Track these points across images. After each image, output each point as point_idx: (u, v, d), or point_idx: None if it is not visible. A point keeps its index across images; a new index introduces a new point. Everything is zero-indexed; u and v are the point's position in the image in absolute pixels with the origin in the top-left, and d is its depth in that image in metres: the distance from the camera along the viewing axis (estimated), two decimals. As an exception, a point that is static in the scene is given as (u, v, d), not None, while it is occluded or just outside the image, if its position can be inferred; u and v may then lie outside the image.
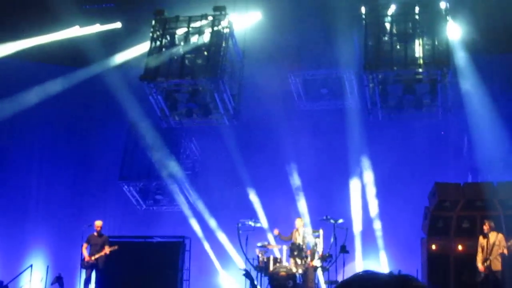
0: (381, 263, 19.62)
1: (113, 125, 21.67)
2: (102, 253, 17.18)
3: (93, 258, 17.14)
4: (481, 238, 15.27)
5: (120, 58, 20.69)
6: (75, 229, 18.49)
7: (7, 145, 22.17)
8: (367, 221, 19.65)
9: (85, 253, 17.35)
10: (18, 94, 19.46)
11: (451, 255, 17.03)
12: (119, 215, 22.22)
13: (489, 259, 14.84)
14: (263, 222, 19.21)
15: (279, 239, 17.59)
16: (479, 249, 15.22)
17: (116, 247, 17.24)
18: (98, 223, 17.69)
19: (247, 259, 17.52)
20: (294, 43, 19.87)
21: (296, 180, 20.36)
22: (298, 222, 17.37)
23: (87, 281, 17.29)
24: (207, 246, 20.46)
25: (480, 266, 15.01)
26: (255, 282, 16.28)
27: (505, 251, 14.83)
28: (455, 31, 18.61)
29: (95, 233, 17.58)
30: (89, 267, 17.27)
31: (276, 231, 17.49)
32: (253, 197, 20.20)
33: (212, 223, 20.38)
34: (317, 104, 21.79)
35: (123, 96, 19.62)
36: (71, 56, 20.63)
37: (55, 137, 21.96)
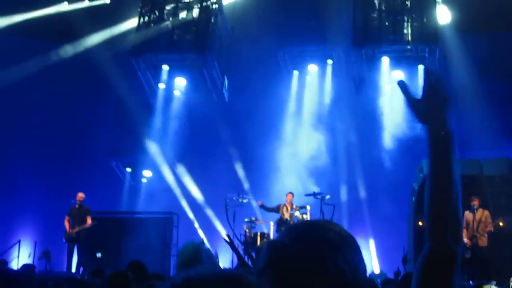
0: (368, 240, 19.70)
1: (101, 101, 21.53)
2: (84, 226, 17.22)
3: (74, 231, 17.18)
4: (467, 213, 15.38)
5: (108, 33, 20.59)
6: (63, 205, 18.46)
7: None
8: (355, 198, 19.68)
9: (67, 225, 17.39)
10: (4, 70, 19.28)
11: (438, 231, 17.12)
12: (107, 191, 22.16)
13: (476, 236, 14.97)
14: (251, 197, 19.24)
15: (264, 211, 17.72)
16: (464, 224, 15.34)
17: (94, 222, 17.31)
18: (80, 194, 17.65)
19: (234, 234, 17.55)
20: (283, 19, 19.81)
21: (284, 157, 20.36)
22: (288, 197, 17.43)
23: (71, 254, 17.33)
24: (195, 222, 20.45)
25: (466, 240, 15.14)
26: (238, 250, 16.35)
27: (491, 228, 14.96)
28: (443, 9, 18.69)
29: (76, 205, 17.60)
30: (70, 240, 17.29)
31: (259, 202, 17.68)
32: (241, 173, 20.20)
33: (200, 198, 20.36)
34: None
35: (111, 72, 19.49)
36: (59, 31, 20.49)
37: (43, 112, 21.80)
